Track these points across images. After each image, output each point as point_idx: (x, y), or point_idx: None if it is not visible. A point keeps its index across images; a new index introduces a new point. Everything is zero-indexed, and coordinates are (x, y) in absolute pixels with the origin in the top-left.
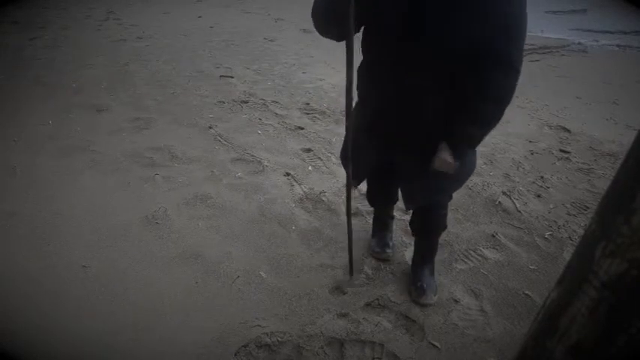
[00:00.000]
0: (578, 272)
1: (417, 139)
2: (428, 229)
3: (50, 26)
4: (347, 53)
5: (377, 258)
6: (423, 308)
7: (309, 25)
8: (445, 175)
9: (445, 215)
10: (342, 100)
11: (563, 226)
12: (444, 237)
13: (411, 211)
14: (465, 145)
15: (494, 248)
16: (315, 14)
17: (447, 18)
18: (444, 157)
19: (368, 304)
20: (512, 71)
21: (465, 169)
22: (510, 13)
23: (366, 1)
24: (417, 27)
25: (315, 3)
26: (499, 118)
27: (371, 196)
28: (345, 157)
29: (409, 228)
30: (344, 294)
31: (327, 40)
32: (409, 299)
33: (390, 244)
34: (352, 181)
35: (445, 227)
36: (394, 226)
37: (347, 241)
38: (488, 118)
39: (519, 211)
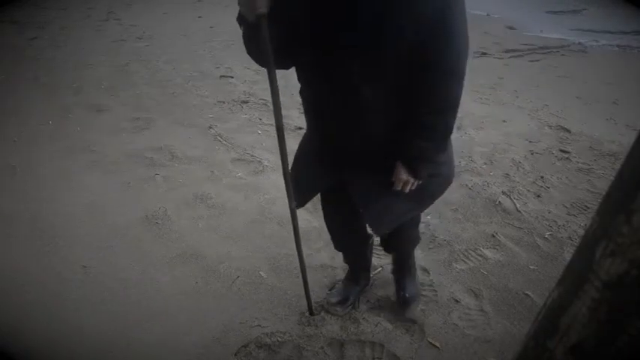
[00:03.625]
0: (578, 272)
1: (368, 158)
2: (401, 247)
3: (50, 26)
4: (270, 85)
5: (327, 311)
6: (423, 308)
7: None
8: (410, 194)
9: (417, 231)
10: None
11: (563, 226)
12: (444, 237)
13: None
14: (418, 161)
15: (494, 248)
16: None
17: (375, 24)
18: (401, 176)
19: (368, 304)
20: (452, 78)
21: (437, 183)
22: (437, 9)
23: (282, 20)
24: (342, 36)
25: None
26: (450, 128)
27: (334, 234)
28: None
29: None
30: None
31: None
32: None
33: (351, 299)
34: (295, 202)
35: (419, 240)
36: (370, 284)
37: (301, 276)
38: (436, 131)
39: (519, 211)
